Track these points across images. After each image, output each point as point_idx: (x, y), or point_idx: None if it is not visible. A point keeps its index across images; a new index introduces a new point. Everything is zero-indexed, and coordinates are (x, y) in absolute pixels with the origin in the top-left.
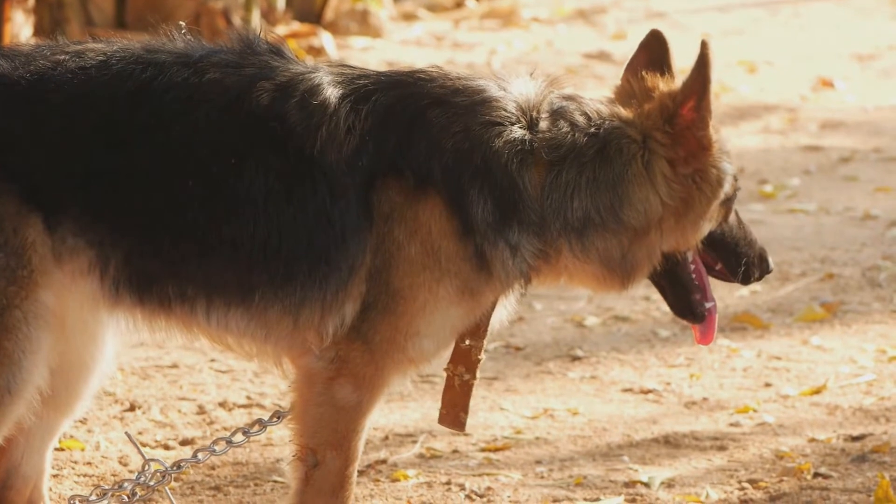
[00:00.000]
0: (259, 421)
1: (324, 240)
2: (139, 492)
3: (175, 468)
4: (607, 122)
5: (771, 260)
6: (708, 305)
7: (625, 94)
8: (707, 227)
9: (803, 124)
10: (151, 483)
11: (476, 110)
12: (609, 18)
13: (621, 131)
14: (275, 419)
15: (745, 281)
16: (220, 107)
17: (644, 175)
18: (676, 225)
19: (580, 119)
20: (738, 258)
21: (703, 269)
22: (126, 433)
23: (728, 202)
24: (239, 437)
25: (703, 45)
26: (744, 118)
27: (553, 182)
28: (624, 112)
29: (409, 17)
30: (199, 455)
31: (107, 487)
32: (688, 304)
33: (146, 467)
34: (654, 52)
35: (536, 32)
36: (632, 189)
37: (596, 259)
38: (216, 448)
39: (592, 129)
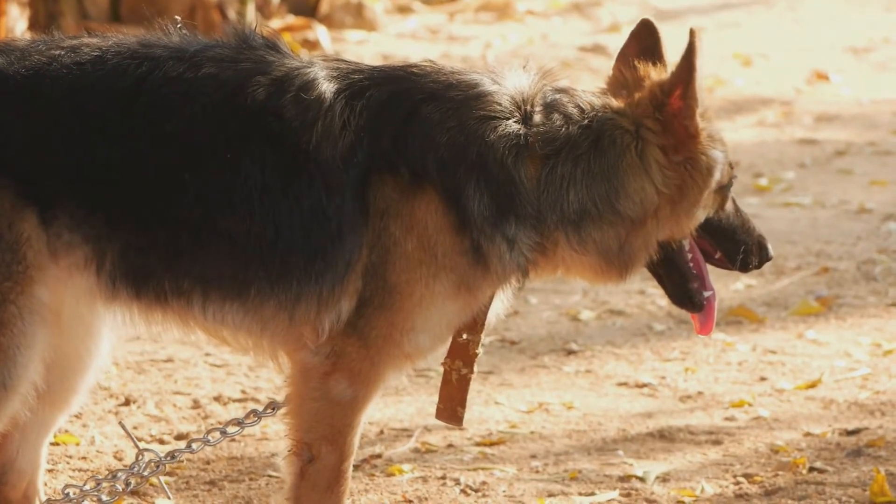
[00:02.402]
0: (254, 412)
1: (320, 235)
2: (133, 481)
3: (169, 458)
4: (600, 114)
5: (770, 247)
6: (706, 294)
7: (617, 84)
8: (702, 215)
9: (798, 117)
10: (146, 473)
11: (470, 105)
12: (604, 11)
13: (614, 122)
14: (269, 410)
15: (744, 268)
16: (216, 101)
17: (638, 164)
18: (671, 213)
19: (573, 111)
20: (736, 246)
21: (701, 258)
22: (120, 423)
23: (723, 190)
24: (233, 428)
25: (692, 34)
26: (739, 111)
27: (548, 175)
28: (616, 103)
29: (404, 10)
30: (194, 445)
31: (101, 477)
32: (686, 293)
33: (140, 457)
34: (645, 41)
35: (531, 25)
36: (627, 179)
37: (594, 251)
38: (210, 438)
39: (586, 122)
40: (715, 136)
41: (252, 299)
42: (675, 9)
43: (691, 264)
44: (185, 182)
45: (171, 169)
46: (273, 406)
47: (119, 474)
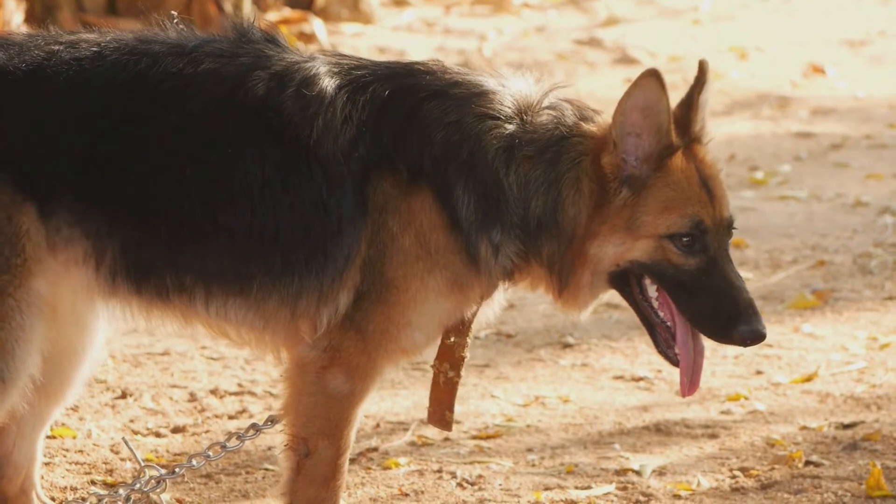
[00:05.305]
0: (254, 426)
1: (320, 229)
2: (133, 497)
3: (171, 474)
4: (583, 125)
5: (747, 329)
6: (676, 351)
7: None
8: (635, 251)
9: (794, 111)
10: (147, 489)
11: (472, 102)
12: (600, 4)
13: (579, 137)
14: (269, 423)
15: (710, 335)
16: (216, 97)
17: (576, 181)
18: (599, 236)
19: (569, 117)
20: (689, 304)
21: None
22: (123, 439)
23: (662, 239)
24: (234, 443)
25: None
26: (735, 105)
27: (527, 177)
28: (599, 119)
29: (400, 3)
30: (195, 461)
31: (102, 493)
32: (653, 337)
33: (142, 474)
34: (696, 77)
35: (527, 18)
36: (566, 192)
37: (546, 263)
38: (210, 454)
39: (567, 130)
40: (630, 180)
41: (255, 294)
42: (675, 5)
43: (661, 311)
44: (186, 177)
45: (171, 164)
46: (272, 420)
47: (120, 491)
